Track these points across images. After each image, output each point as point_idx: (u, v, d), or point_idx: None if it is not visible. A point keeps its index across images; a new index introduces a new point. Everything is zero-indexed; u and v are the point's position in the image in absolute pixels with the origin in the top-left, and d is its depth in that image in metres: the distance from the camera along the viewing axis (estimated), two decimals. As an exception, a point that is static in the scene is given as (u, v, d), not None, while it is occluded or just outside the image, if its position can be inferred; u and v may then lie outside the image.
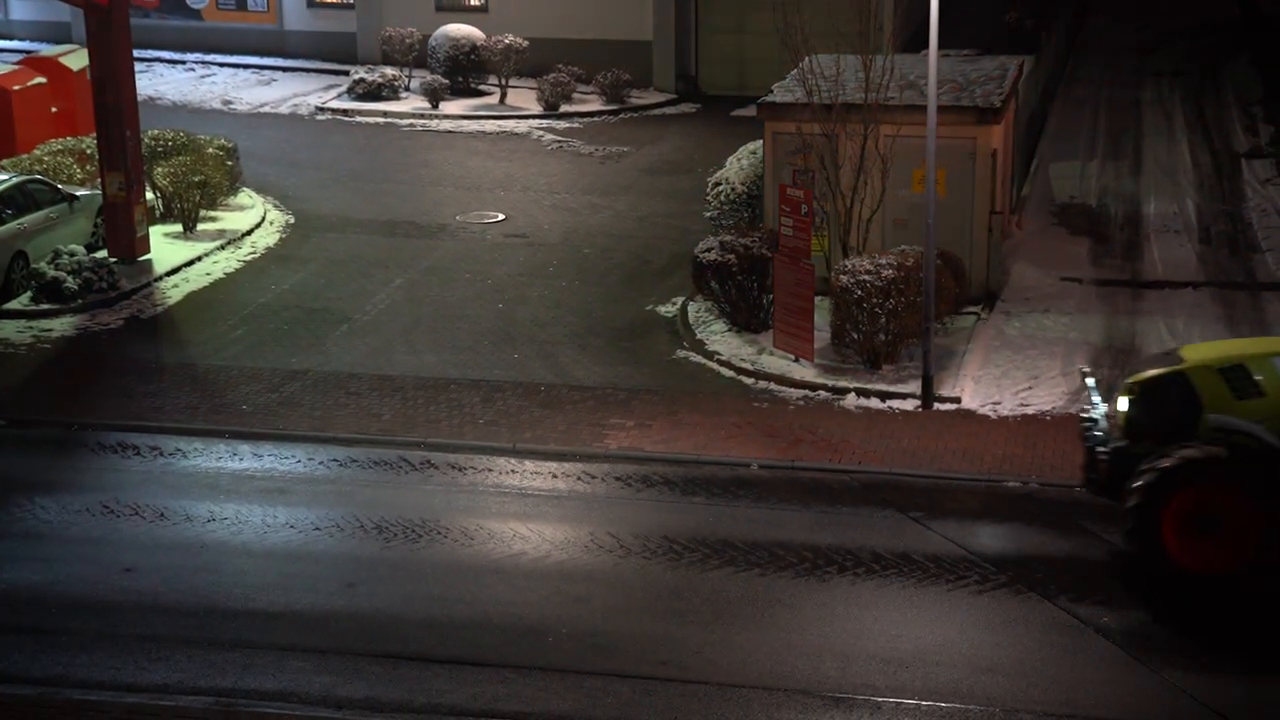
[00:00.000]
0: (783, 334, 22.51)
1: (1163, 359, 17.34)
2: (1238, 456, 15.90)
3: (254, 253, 27.84)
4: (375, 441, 20.23)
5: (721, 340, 23.37)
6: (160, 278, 26.38)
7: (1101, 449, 16.82)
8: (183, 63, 42.45)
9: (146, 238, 27.13)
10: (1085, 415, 17.61)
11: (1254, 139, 34.61)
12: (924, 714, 14.37)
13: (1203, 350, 17.42)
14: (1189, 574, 16.08)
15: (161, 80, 40.63)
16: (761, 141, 25.42)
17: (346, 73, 39.83)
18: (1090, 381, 18.18)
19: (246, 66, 42.13)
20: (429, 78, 38.22)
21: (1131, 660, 15.11)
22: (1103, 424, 17.13)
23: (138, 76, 28.00)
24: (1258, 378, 16.32)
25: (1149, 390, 16.75)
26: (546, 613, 16.05)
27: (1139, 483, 16.09)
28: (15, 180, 26.27)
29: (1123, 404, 16.90)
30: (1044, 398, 21.28)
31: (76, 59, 31.79)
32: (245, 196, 30.62)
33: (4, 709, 14.64)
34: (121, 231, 26.65)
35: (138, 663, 15.28)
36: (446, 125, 36.73)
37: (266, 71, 41.82)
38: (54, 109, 31.50)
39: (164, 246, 27.58)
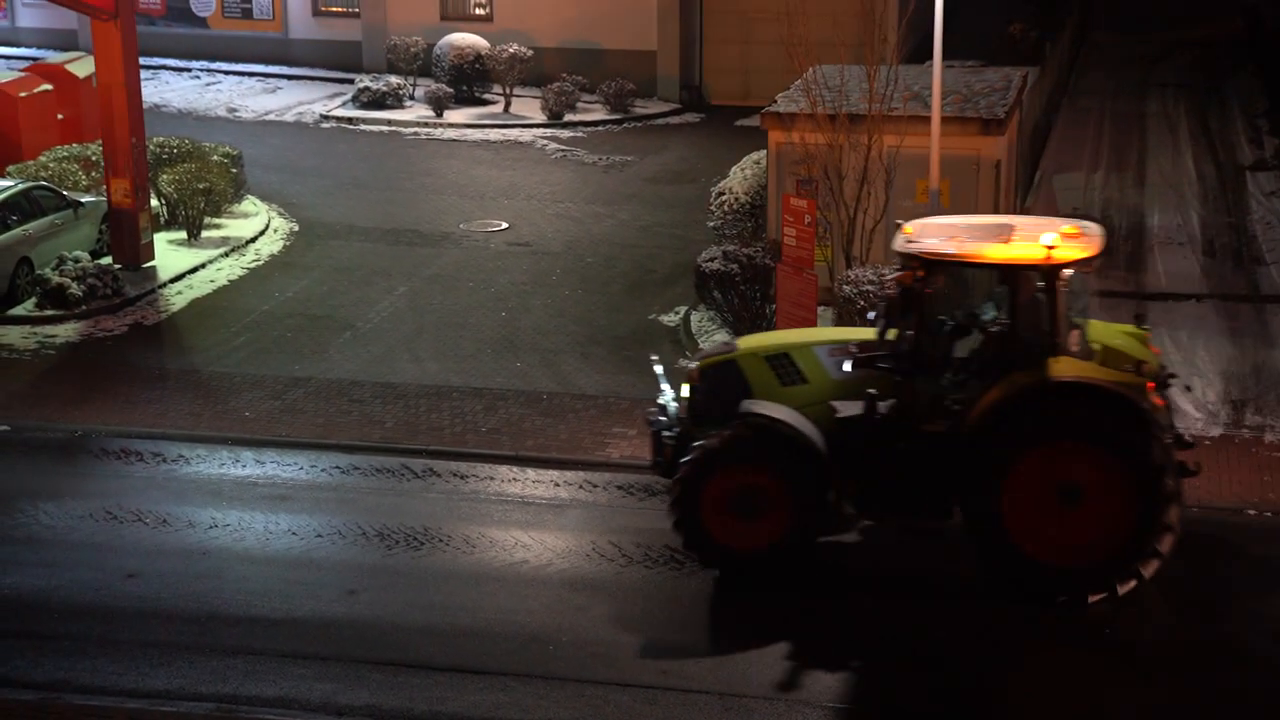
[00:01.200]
0: (786, 344, 22.47)
1: (722, 347, 17.94)
2: (765, 439, 16.39)
3: (258, 260, 27.89)
4: (378, 449, 20.25)
5: (724, 350, 23.35)
6: (164, 284, 26.42)
7: (667, 433, 17.26)
8: (188, 70, 42.55)
9: (151, 244, 27.18)
10: (657, 402, 18.10)
11: (1258, 151, 34.62)
12: (925, 724, 14.39)
13: (755, 340, 18.08)
14: (730, 552, 16.53)
15: (167, 88, 40.72)
16: (765, 151, 25.44)
17: (351, 81, 39.90)
18: (659, 369, 18.74)
19: (252, 74, 42.22)
20: (433, 86, 38.28)
21: (1135, 672, 15.07)
22: (671, 409, 17.62)
23: (144, 84, 28.07)
24: (800, 366, 16.99)
25: (706, 377, 17.30)
26: (548, 621, 16.06)
27: (680, 467, 16.60)
28: (21, 186, 26.34)
29: (685, 390, 17.45)
30: (1046, 409, 21.24)
31: (82, 66, 31.87)
32: (249, 204, 30.68)
33: (6, 714, 14.66)
34: (126, 238, 26.70)
35: (140, 668, 15.29)
36: (451, 134, 36.79)
37: (272, 79, 41.92)
38: (60, 116, 31.57)
39: (168, 253, 27.63)
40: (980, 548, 16.15)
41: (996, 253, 16.05)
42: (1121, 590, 15.83)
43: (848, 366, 16.79)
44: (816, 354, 17.07)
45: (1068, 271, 15.89)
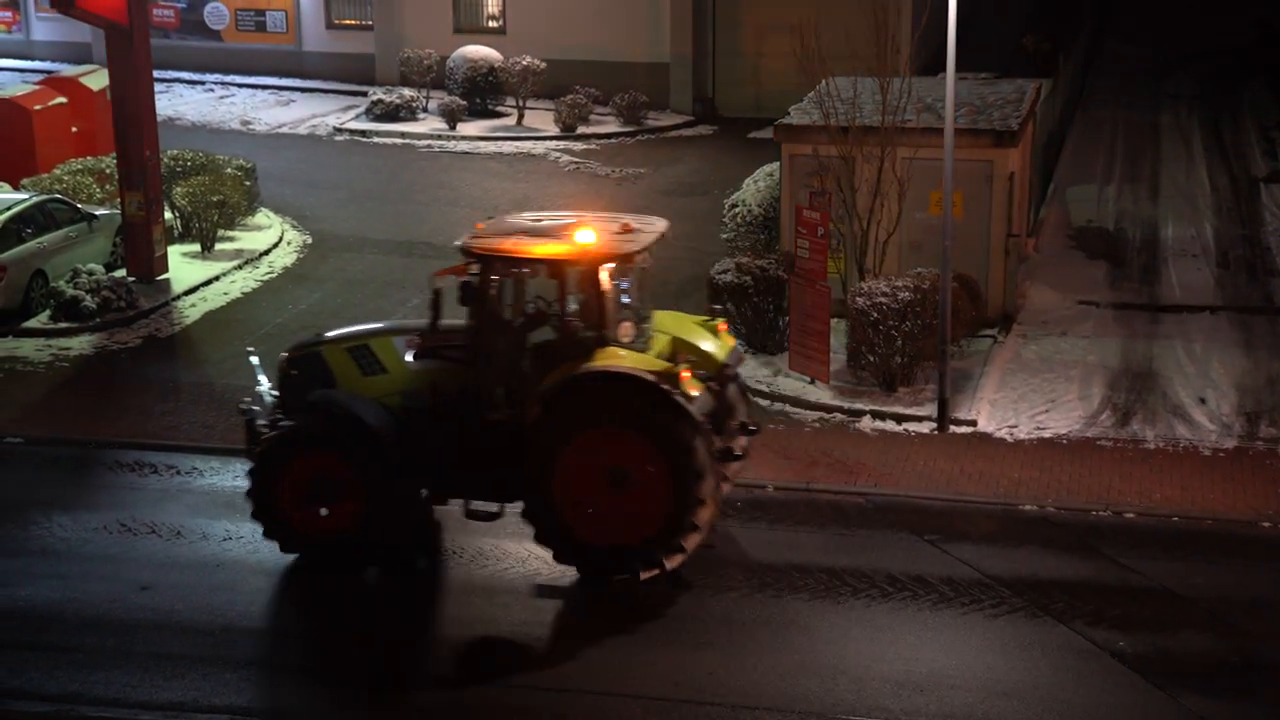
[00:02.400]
0: (798, 356, 22.51)
1: (309, 339, 18.54)
2: (334, 428, 16.98)
3: (271, 272, 27.94)
4: (391, 461, 20.23)
5: (737, 362, 23.36)
6: (178, 297, 26.48)
7: (261, 422, 17.75)
8: (202, 83, 42.67)
9: (165, 257, 27.24)
10: (254, 391, 18.59)
11: (1272, 163, 34.56)
12: (939, 737, 14.35)
13: (342, 331, 18.51)
14: (309, 538, 17.09)
15: (181, 100, 40.83)
16: (778, 163, 25.45)
17: (365, 94, 39.99)
18: (254, 360, 19.28)
19: (265, 87, 42.33)
20: (447, 99, 38.34)
21: (1148, 686, 15.05)
22: (266, 400, 18.15)
23: (157, 97, 28.16)
24: (380, 356, 17.55)
25: (293, 367, 17.85)
26: (561, 632, 16.03)
27: (256, 456, 17.24)
28: (35, 199, 26.43)
29: (277, 380, 17.97)
30: (1060, 421, 21.25)
31: (97, 79, 31.98)
32: (263, 216, 30.75)
33: (19, 726, 14.70)
34: (140, 251, 26.76)
35: (154, 681, 15.30)
36: (464, 146, 36.85)
37: (285, 92, 42.02)
38: (74, 129, 31.67)
39: (182, 266, 27.69)
40: (536, 530, 16.77)
41: (542, 249, 16.79)
42: (670, 566, 16.61)
43: (409, 357, 17.50)
44: (395, 345, 17.67)
45: (609, 266, 16.64)
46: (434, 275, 17.55)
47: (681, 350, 17.51)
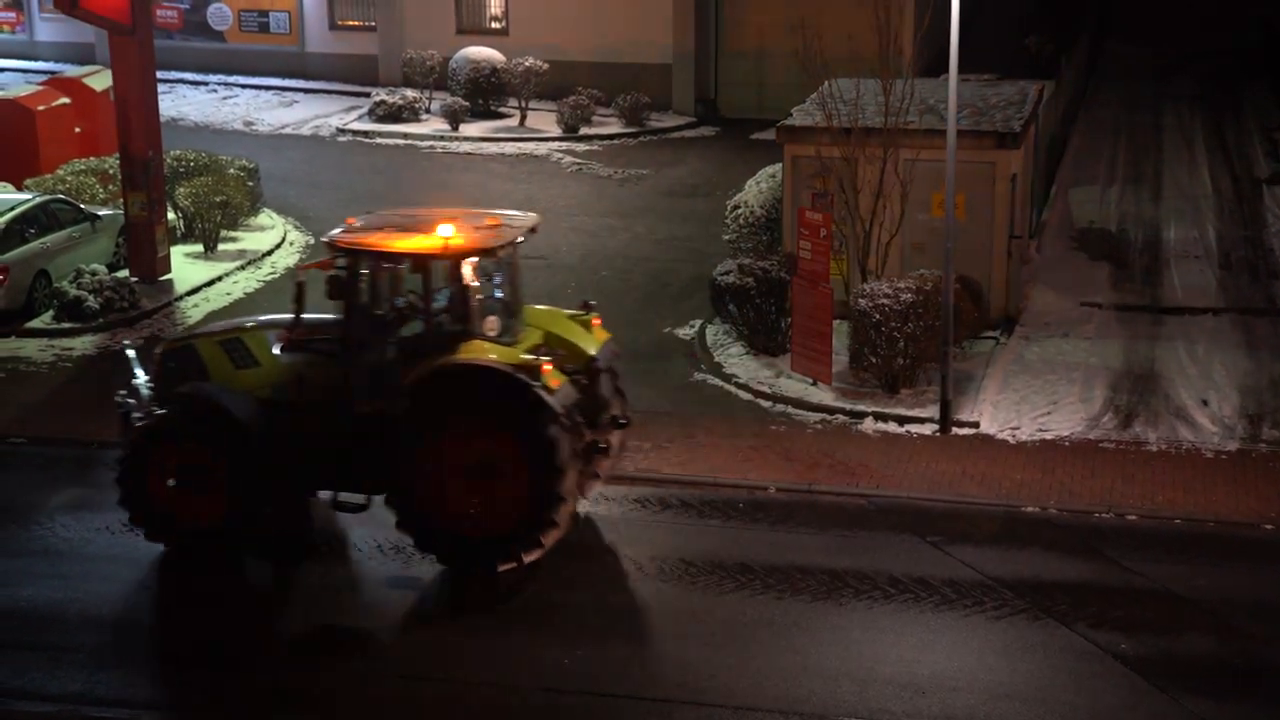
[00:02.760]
0: (801, 357, 22.51)
1: (184, 332, 18.83)
2: (200, 419, 17.18)
3: (274, 273, 27.95)
4: (393, 462, 20.24)
5: (739, 363, 23.38)
6: (181, 297, 26.50)
7: (137, 415, 17.94)
8: (205, 84, 42.69)
9: (167, 257, 27.26)
10: (131, 384, 18.80)
11: (1275, 164, 34.53)
12: (941, 739, 14.35)
13: (217, 325, 19.05)
14: (178, 527, 17.26)
15: (184, 101, 40.85)
16: (781, 165, 25.45)
17: (367, 94, 40.00)
18: (131, 353, 19.64)
19: (268, 88, 42.35)
20: (449, 100, 38.36)
21: (1151, 688, 15.05)
22: (143, 392, 18.36)
23: (160, 98, 28.15)
24: (252, 349, 17.82)
25: (167, 360, 18.16)
26: (561, 633, 16.03)
27: (127, 446, 17.47)
28: (38, 200, 26.45)
29: (154, 373, 18.24)
30: (1063, 423, 21.25)
31: (100, 80, 31.99)
32: (266, 217, 30.76)
33: (22, 727, 14.71)
34: (143, 251, 26.78)
35: (156, 681, 15.30)
36: (466, 147, 36.86)
37: (288, 93, 42.03)
38: (77, 129, 31.68)
39: (185, 266, 27.71)
40: (397, 518, 16.95)
41: (404, 244, 16.99)
42: (527, 559, 16.78)
43: (276, 350, 17.70)
44: (268, 338, 17.89)
45: (472, 260, 16.88)
46: (298, 269, 17.74)
47: (553, 345, 17.74)
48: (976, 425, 21.19)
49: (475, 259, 16.97)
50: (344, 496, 17.49)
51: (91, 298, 25.10)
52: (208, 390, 17.47)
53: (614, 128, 38.22)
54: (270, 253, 28.83)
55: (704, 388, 22.82)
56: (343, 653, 15.84)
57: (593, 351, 17.95)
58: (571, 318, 18.38)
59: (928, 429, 21.13)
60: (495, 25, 41.25)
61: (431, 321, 17.20)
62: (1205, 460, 20.20)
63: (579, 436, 16.97)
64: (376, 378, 17.14)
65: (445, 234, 16.87)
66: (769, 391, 22.36)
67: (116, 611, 16.61)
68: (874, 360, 22.06)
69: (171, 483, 17.15)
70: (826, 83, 23.95)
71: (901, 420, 21.35)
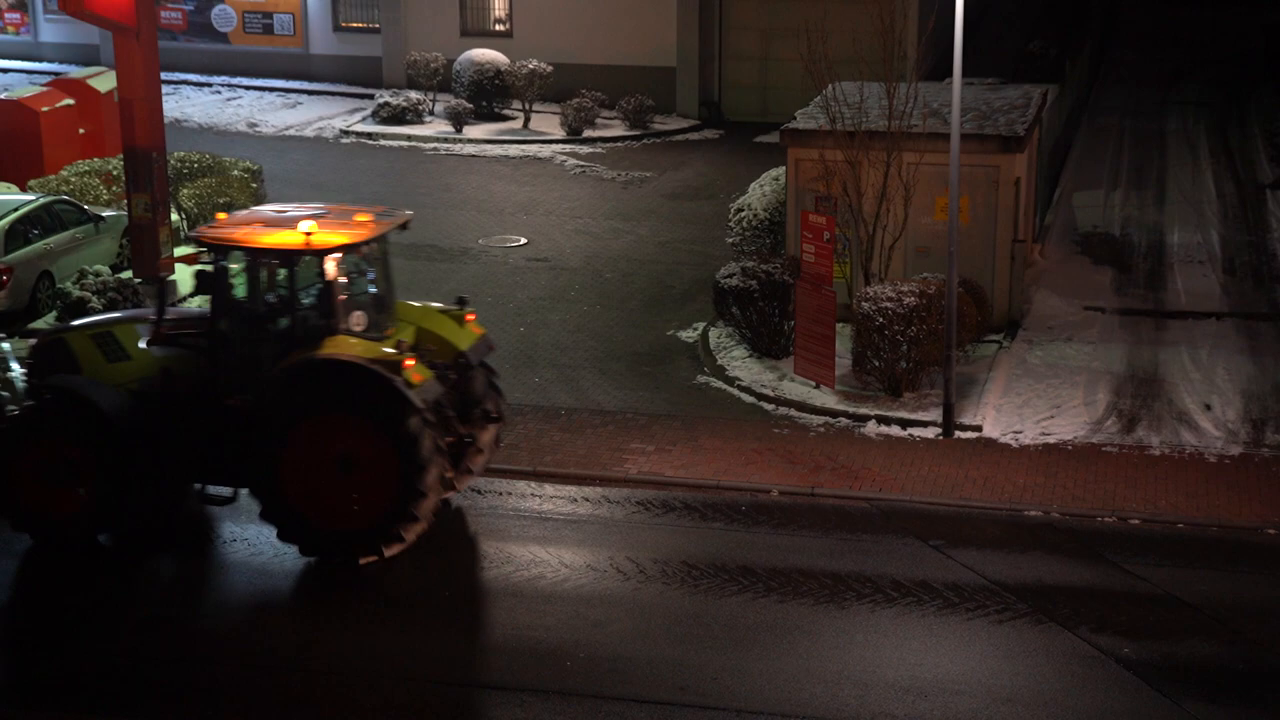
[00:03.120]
0: (804, 360, 22.51)
1: (57, 326, 19.04)
2: (65, 412, 17.35)
3: (277, 274, 27.92)
4: (396, 464, 20.25)
5: (742, 366, 23.38)
6: (184, 298, 26.47)
7: (12, 407, 18.44)
8: (209, 85, 42.72)
9: (171, 259, 27.25)
10: (4, 377, 19.17)
11: (1279, 170, 34.52)
12: (943, 743, 14.34)
13: (90, 318, 19.11)
14: (46, 521, 17.45)
15: (188, 102, 40.89)
16: (784, 168, 25.45)
17: (371, 96, 40.05)
18: (6, 346, 19.95)
19: (272, 89, 42.38)
20: (453, 102, 38.39)
21: (1153, 692, 15.04)
22: (18, 385, 18.77)
23: (165, 99, 28.15)
24: (123, 342, 18.02)
25: (40, 354, 18.33)
26: (565, 637, 16.04)
27: None
28: (42, 201, 26.46)
29: (27, 366, 18.52)
30: (1065, 427, 21.24)
31: (104, 81, 32.01)
32: (269, 218, 30.73)
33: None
34: (146, 252, 26.73)
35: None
36: (470, 149, 36.88)
37: (292, 95, 42.07)
38: (81, 130, 31.71)
39: (188, 268, 27.67)
40: (261, 509, 17.15)
41: (267, 239, 17.23)
42: (389, 553, 16.99)
43: (143, 344, 17.90)
44: (140, 331, 18.10)
45: (335, 256, 17.08)
46: (161, 263, 17.93)
47: (425, 340, 17.98)
48: (979, 429, 21.18)
49: (338, 255, 17.19)
50: (212, 489, 17.78)
51: (95, 298, 25.08)
52: (76, 383, 17.61)
53: (618, 130, 38.24)
54: (273, 254, 28.79)
55: (707, 390, 22.82)
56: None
57: (464, 347, 18.19)
58: (445, 313, 18.64)
59: (930, 432, 21.12)
60: (499, 27, 41.28)
61: (297, 316, 17.46)
62: (1208, 465, 20.19)
63: (443, 431, 17.16)
64: (243, 372, 17.40)
65: (306, 230, 17.09)
66: (772, 394, 22.36)
67: (117, 612, 16.62)
68: (877, 364, 22.06)
69: (38, 475, 17.31)
70: (830, 86, 23.95)
71: (904, 424, 21.34)
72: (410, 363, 16.89)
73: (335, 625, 16.25)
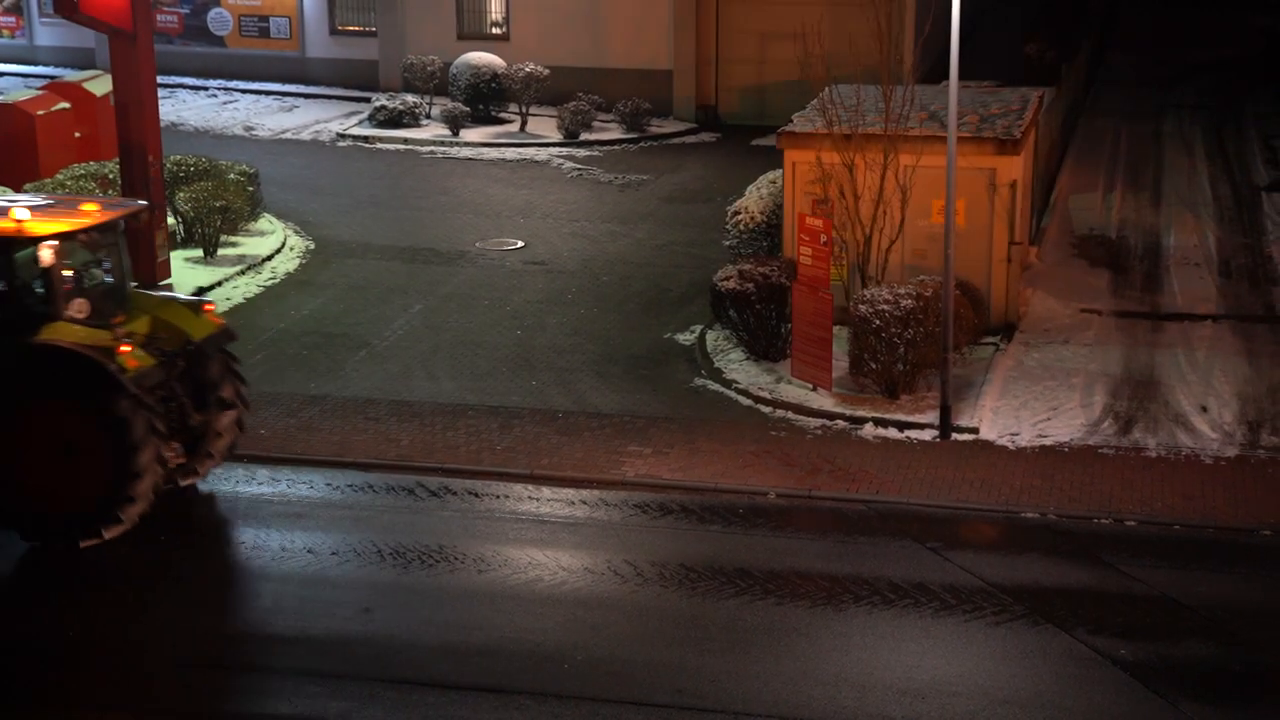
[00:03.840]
0: (801, 363, 22.52)
1: None
2: None
3: (274, 278, 27.95)
4: (393, 467, 20.26)
5: (739, 369, 23.39)
6: (181, 302, 26.48)
7: None
8: (205, 89, 42.70)
9: (167, 262, 27.22)
10: None
11: (1275, 172, 34.54)
12: (940, 745, 14.35)
13: None
14: None
15: (184, 106, 40.88)
16: (781, 171, 25.47)
17: (368, 100, 40.01)
18: None
19: (269, 93, 42.36)
20: (450, 105, 38.38)
21: (1150, 694, 15.05)
22: None
23: (161, 102, 28.15)
24: None
25: None
26: (562, 640, 16.05)
27: None
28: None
29: None
30: (1062, 429, 21.25)
31: (100, 84, 31.99)
32: (266, 222, 30.76)
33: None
34: (143, 256, 26.73)
35: (148, 686, 15.29)
36: (467, 152, 36.88)
37: (289, 98, 42.05)
38: (77, 134, 31.67)
39: (185, 271, 27.69)
40: None
41: None
42: (109, 535, 17.46)
43: None
44: None
45: (51, 244, 17.32)
46: None
47: (158, 329, 18.34)
48: (976, 431, 21.19)
49: (55, 243, 17.41)
50: None
51: (91, 302, 25.09)
52: None
53: (614, 133, 38.23)
54: (270, 258, 28.81)
55: (704, 393, 22.83)
56: None
57: (195, 336, 18.54)
58: (184, 304, 19.06)
59: (927, 435, 21.13)
60: (496, 31, 41.27)
61: (16, 302, 17.71)
62: (1204, 466, 20.21)
63: (159, 415, 17.51)
64: None
65: (21, 217, 17.36)
66: (769, 397, 22.37)
67: (120, 614, 16.60)
68: (874, 366, 22.07)
69: None
70: (827, 89, 23.96)
71: (901, 426, 21.35)
72: (126, 348, 17.30)
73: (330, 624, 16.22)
